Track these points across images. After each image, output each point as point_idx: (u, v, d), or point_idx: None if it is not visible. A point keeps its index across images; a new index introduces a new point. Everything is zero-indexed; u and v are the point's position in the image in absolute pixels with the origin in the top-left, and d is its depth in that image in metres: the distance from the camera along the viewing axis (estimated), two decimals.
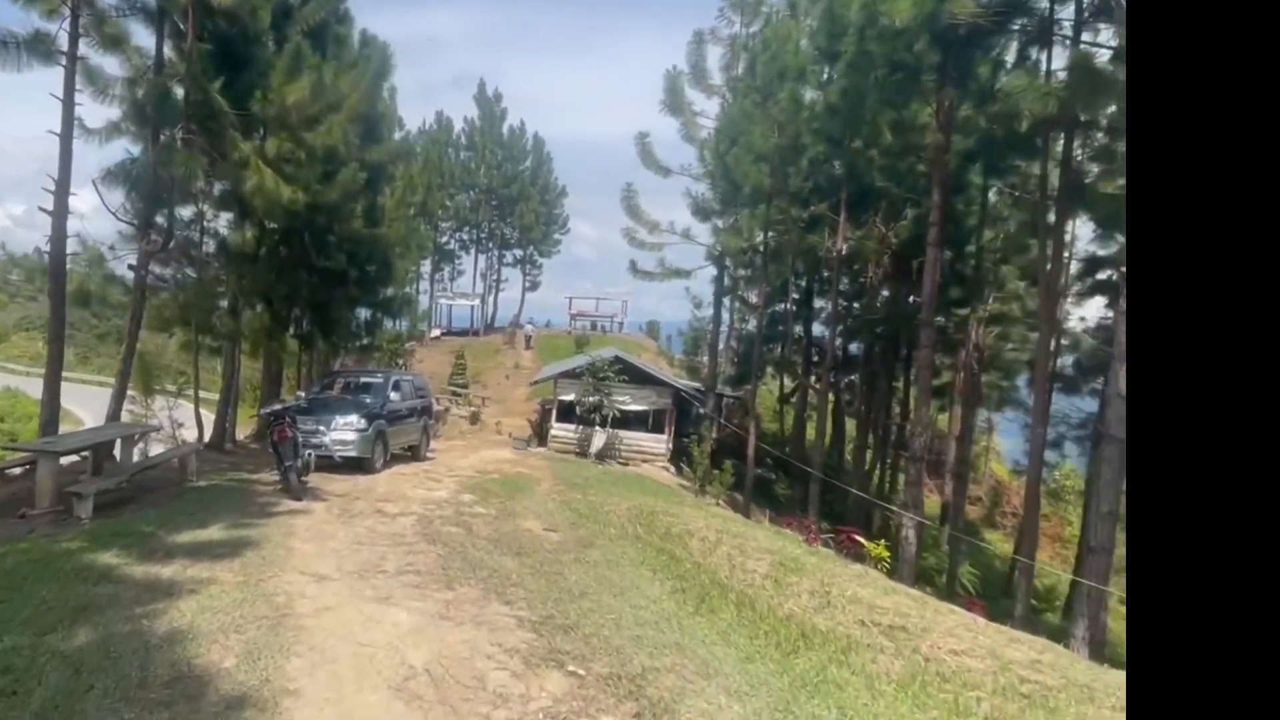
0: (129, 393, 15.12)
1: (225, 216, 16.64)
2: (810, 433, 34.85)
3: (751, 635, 5.93)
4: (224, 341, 17.63)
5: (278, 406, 11.61)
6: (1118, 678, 6.31)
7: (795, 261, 21.91)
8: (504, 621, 5.68)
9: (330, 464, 13.82)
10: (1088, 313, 24.92)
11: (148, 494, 10.32)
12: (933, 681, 5.61)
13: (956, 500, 21.89)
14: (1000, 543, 33.89)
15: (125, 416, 15.55)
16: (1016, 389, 29.82)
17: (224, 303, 16.84)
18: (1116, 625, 18.79)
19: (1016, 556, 19.99)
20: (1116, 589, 14.21)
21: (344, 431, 14.03)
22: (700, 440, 23.92)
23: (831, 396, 28.62)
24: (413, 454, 17.34)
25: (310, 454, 11.44)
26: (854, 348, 28.53)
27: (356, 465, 14.15)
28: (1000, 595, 23.98)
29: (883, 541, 12.99)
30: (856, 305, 22.78)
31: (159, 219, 13.48)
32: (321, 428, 13.92)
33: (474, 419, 31.12)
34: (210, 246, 16.66)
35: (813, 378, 29.74)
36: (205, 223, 16.25)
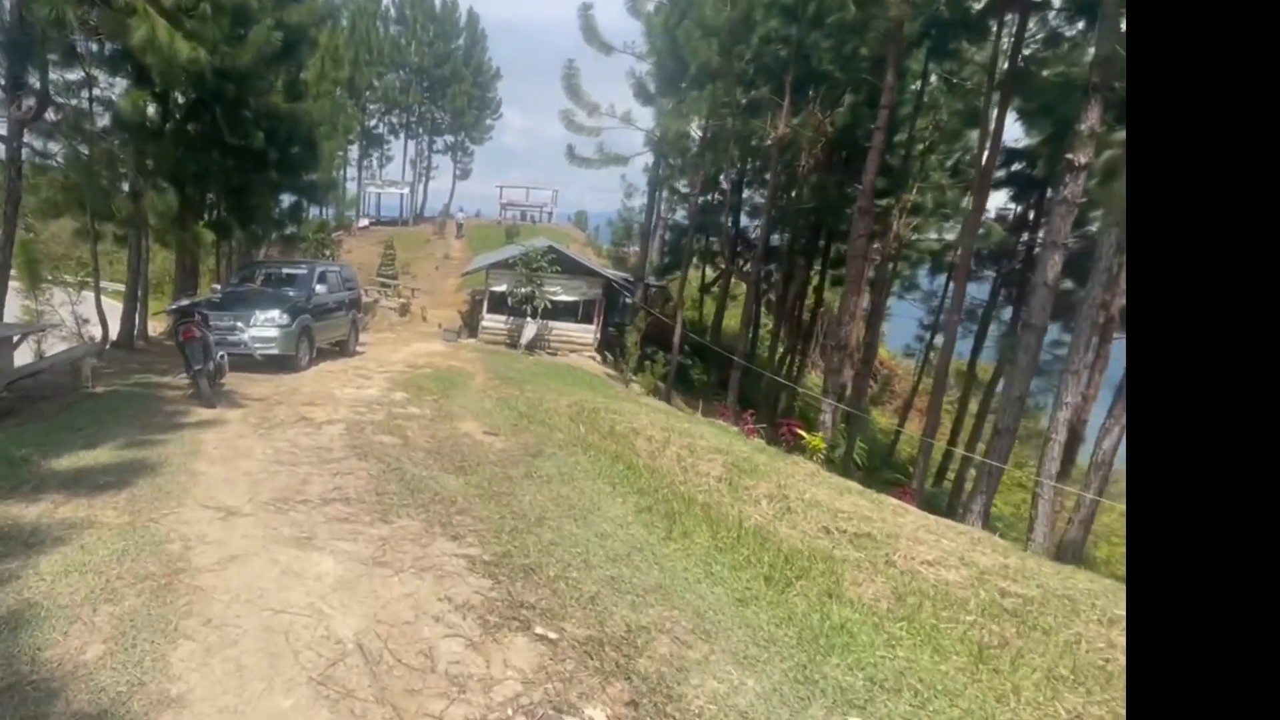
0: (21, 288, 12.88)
1: (122, 85, 13.94)
2: (729, 321, 34.24)
3: (734, 565, 4.91)
4: (128, 229, 15.22)
5: (185, 302, 9.75)
6: (1087, 583, 5.67)
7: (732, 148, 20.28)
8: (452, 564, 4.48)
9: (251, 363, 12.12)
10: (995, 202, 24.35)
11: (34, 405, 8.54)
12: (924, 607, 4.77)
13: (859, 382, 21.53)
14: (881, 419, 34.55)
15: (17, 315, 13.31)
16: (916, 277, 29.66)
17: (125, 185, 14.42)
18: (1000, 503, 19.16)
19: (900, 430, 19.92)
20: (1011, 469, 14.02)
21: (265, 328, 12.25)
22: (634, 330, 22.84)
23: (747, 286, 27.76)
24: (341, 349, 15.64)
25: (223, 356, 9.73)
26: (775, 239, 27.46)
27: (279, 364, 12.46)
28: (881, 466, 24.28)
29: (819, 434, 12.27)
30: (785, 197, 21.44)
31: (30, 80, 10.97)
32: (239, 324, 12.12)
33: (403, 311, 29.17)
34: (107, 121, 14.02)
35: (737, 266, 28.74)
36: (97, 90, 13.55)
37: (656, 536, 5.28)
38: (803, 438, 11.24)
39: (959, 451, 22.66)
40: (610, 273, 27.14)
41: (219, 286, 14.81)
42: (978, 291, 28.62)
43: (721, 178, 23.26)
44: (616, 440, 9.21)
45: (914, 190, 19.88)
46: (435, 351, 19.49)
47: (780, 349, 30.46)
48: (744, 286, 31.63)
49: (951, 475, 24.59)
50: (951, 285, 29.47)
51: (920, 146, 19.67)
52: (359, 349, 16.74)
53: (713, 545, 5.25)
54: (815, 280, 28.78)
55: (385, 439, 7.73)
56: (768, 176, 22.29)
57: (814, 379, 34.92)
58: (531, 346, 23.31)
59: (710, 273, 32.38)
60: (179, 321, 9.41)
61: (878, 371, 41.32)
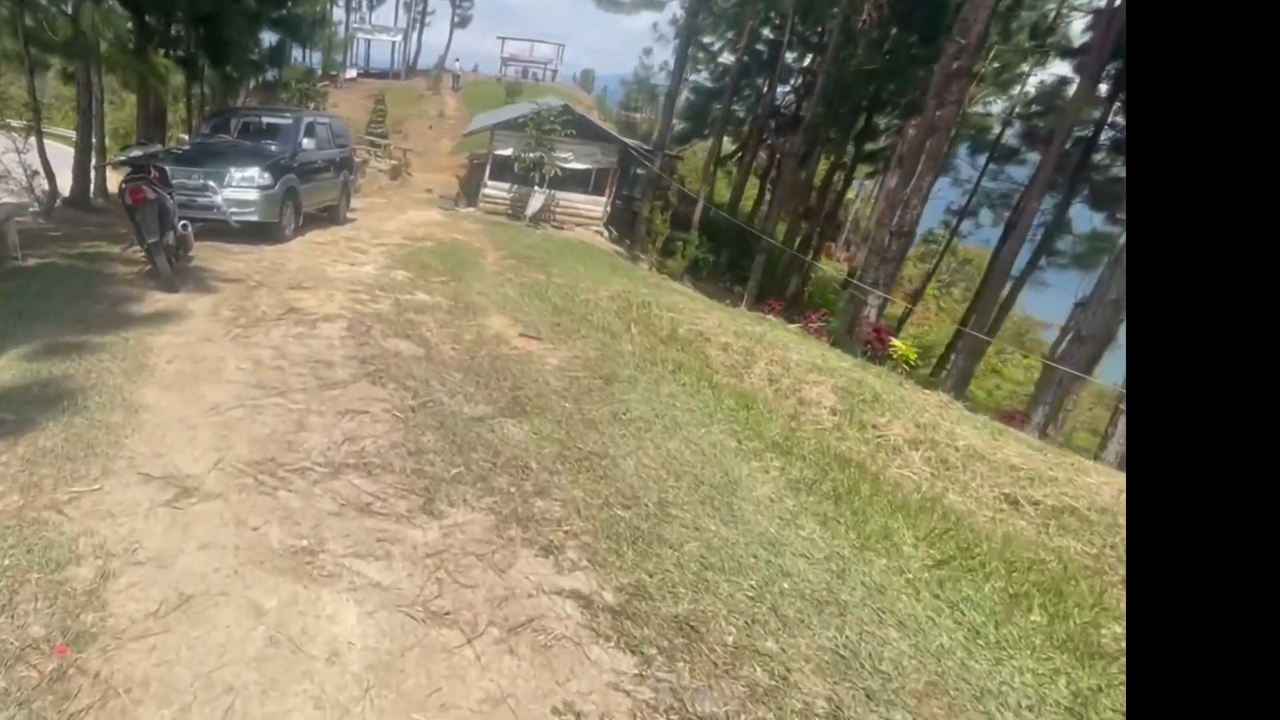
0: None
1: None
2: (742, 201, 31.54)
3: (996, 607, 3.12)
4: (73, 60, 12.48)
5: (136, 153, 7.39)
6: None
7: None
8: (559, 613, 2.60)
9: (224, 231, 9.90)
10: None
11: None
12: None
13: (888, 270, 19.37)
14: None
15: None
16: (955, 155, 27.03)
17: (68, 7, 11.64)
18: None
19: (965, 329, 18.08)
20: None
21: (242, 189, 9.90)
22: (654, 206, 20.48)
23: (781, 159, 25.07)
24: (330, 217, 13.23)
25: (187, 225, 7.47)
26: (807, 110, 24.54)
27: (259, 233, 10.22)
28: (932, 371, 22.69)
29: (907, 341, 10.37)
30: (838, 57, 18.44)
31: None
32: (212, 183, 9.76)
33: (395, 174, 26.26)
34: None
35: (763, 139, 25.93)
36: None
37: (847, 543, 3.40)
38: (892, 345, 9.33)
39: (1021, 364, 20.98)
40: (630, 140, 24.31)
41: (187, 138, 12.32)
42: (1018, 175, 26.30)
43: (764, 33, 20.15)
44: (686, 350, 7.27)
45: (991, 54, 17.07)
46: (433, 221, 17.19)
47: (799, 234, 28.13)
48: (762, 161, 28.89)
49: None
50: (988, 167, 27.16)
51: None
52: (350, 216, 14.38)
53: (930, 557, 3.42)
54: (848, 158, 26.14)
55: (401, 346, 5.73)
56: (812, 38, 19.34)
57: (829, 266, 32.82)
58: (536, 219, 20.98)
59: (729, 144, 29.39)
60: (129, 179, 7.13)
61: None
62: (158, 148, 8.10)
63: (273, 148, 10.84)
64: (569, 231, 21.47)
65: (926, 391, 7.30)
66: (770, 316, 12.45)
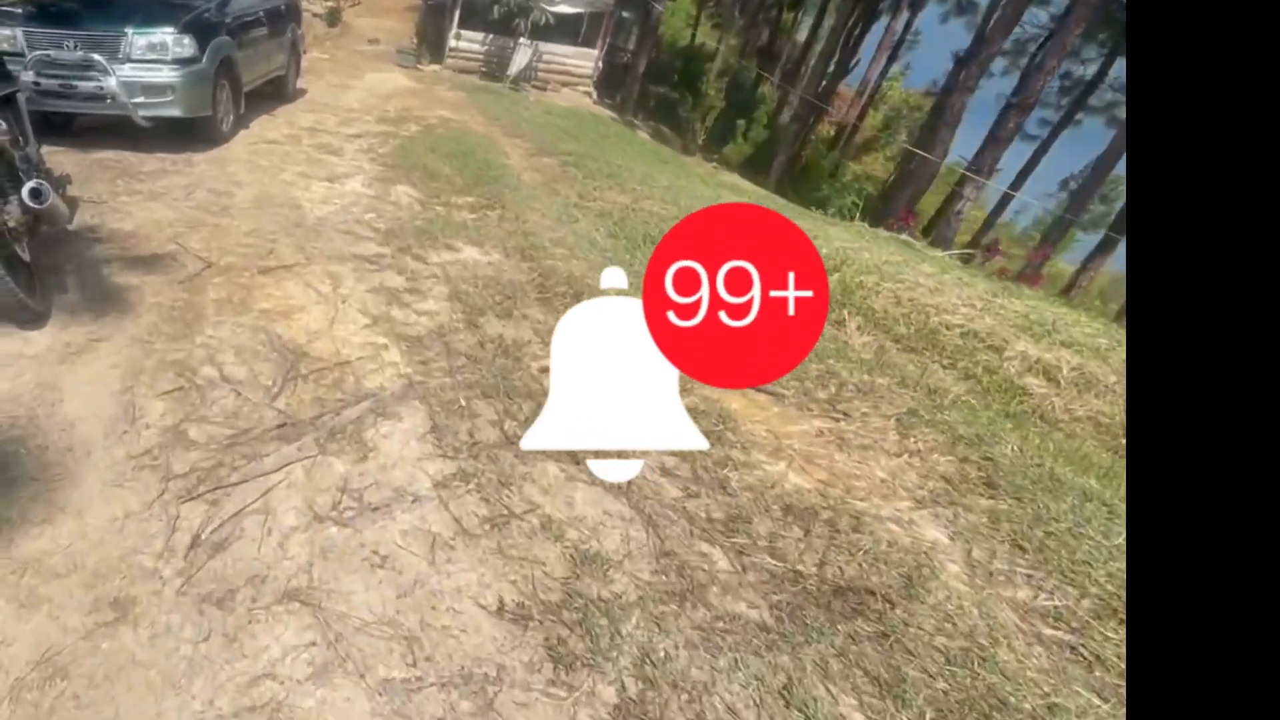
0: None
1: None
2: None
3: None
4: None
5: None
6: None
7: None
8: None
9: (125, 132, 6.29)
10: None
11: None
12: None
13: None
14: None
15: None
16: None
17: None
18: None
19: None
20: None
21: (152, 66, 6.16)
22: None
23: None
24: (275, 91, 9.33)
25: (39, 185, 3.63)
26: None
27: (183, 132, 6.59)
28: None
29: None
30: None
31: None
32: (99, 56, 5.94)
33: (333, 20, 20.97)
34: None
35: None
36: None
37: None
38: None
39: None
40: None
41: None
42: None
43: None
44: (979, 381, 4.35)
45: None
46: (401, 88, 13.28)
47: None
48: None
49: None
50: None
51: None
52: (298, 87, 10.40)
53: None
54: None
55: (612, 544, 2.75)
56: None
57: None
58: (519, 79, 16.96)
59: None
60: None
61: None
62: None
63: None
64: (556, 94, 17.57)
65: None
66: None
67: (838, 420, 3.33)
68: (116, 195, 5.17)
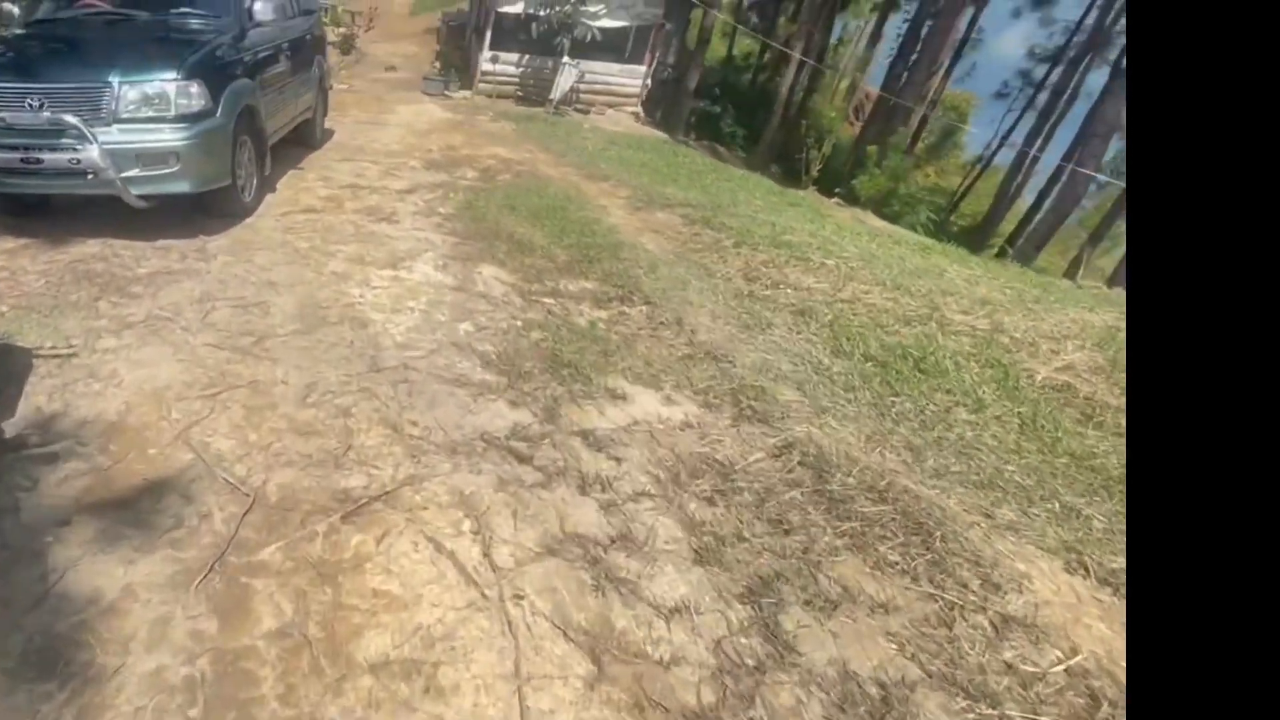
0: None
1: None
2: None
3: None
4: None
5: None
6: None
7: None
8: None
9: (115, 210, 4.44)
10: None
11: None
12: None
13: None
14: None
15: None
16: None
17: None
18: None
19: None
20: None
21: (147, 127, 4.25)
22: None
23: None
24: (300, 136, 7.37)
25: None
26: None
27: (195, 208, 4.73)
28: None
29: None
30: None
31: None
32: (72, 120, 4.07)
33: (347, 47, 19.11)
34: None
35: None
36: None
37: None
38: None
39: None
40: None
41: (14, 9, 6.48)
42: None
43: None
44: None
45: None
46: (438, 122, 11.41)
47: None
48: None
49: None
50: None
51: None
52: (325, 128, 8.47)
53: None
54: None
55: None
56: None
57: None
58: (561, 103, 15.11)
59: None
60: None
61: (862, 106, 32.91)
62: None
63: (195, 24, 5.03)
64: (600, 117, 15.73)
65: None
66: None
67: None
68: (96, 335, 3.28)
